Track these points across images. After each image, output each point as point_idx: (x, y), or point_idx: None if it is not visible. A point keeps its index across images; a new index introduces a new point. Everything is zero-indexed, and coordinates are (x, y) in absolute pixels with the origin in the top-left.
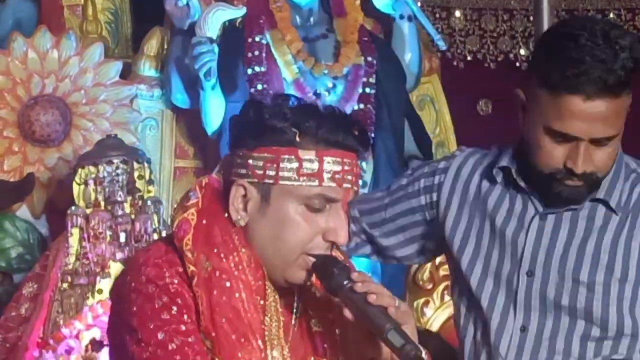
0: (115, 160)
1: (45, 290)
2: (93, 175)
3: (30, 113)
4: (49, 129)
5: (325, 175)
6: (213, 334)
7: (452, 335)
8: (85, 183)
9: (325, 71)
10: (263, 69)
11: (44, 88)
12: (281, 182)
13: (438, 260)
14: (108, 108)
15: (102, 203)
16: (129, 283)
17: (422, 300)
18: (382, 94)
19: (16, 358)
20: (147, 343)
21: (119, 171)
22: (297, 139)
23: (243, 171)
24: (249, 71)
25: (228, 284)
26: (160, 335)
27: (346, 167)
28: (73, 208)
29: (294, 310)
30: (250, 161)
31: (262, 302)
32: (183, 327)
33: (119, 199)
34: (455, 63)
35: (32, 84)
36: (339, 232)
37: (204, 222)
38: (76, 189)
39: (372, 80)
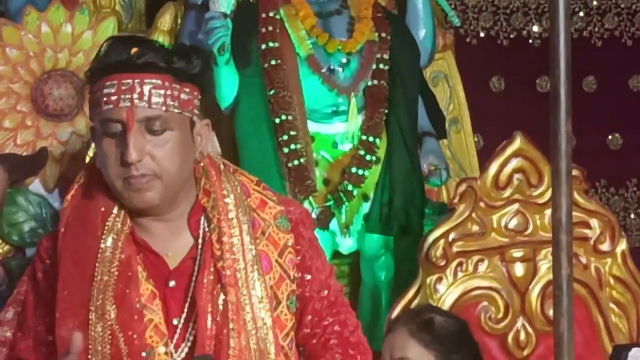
0: None
1: None
2: None
3: (43, 87)
4: (62, 103)
5: (103, 99)
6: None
7: (465, 311)
8: None
9: (339, 47)
10: (277, 45)
11: (57, 62)
12: (91, 115)
13: (451, 236)
14: None
15: None
16: None
17: (435, 277)
18: (396, 70)
19: None
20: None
21: None
22: (89, 73)
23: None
24: (263, 46)
25: (77, 230)
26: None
27: (124, 87)
28: None
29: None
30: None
31: (103, 243)
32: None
33: None
34: (468, 40)
35: (45, 58)
36: (124, 151)
37: (83, 177)
38: None
39: (385, 56)
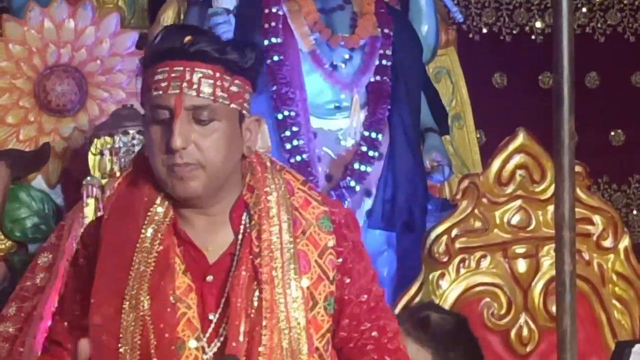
0: (131, 131)
1: (60, 260)
2: (109, 146)
3: (46, 83)
4: (64, 99)
5: (153, 86)
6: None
7: (468, 308)
8: (101, 153)
9: (342, 43)
10: (279, 40)
11: (60, 58)
12: (142, 101)
13: (454, 232)
14: (124, 78)
15: (118, 173)
16: None
17: (437, 273)
18: (399, 66)
19: (31, 327)
20: None
21: (134, 142)
22: (143, 61)
23: None
24: (266, 42)
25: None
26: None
27: (174, 75)
28: (89, 178)
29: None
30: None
31: (143, 231)
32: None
33: None
34: (471, 36)
35: (48, 54)
36: (170, 138)
37: (131, 167)
38: (92, 159)
39: (388, 52)
